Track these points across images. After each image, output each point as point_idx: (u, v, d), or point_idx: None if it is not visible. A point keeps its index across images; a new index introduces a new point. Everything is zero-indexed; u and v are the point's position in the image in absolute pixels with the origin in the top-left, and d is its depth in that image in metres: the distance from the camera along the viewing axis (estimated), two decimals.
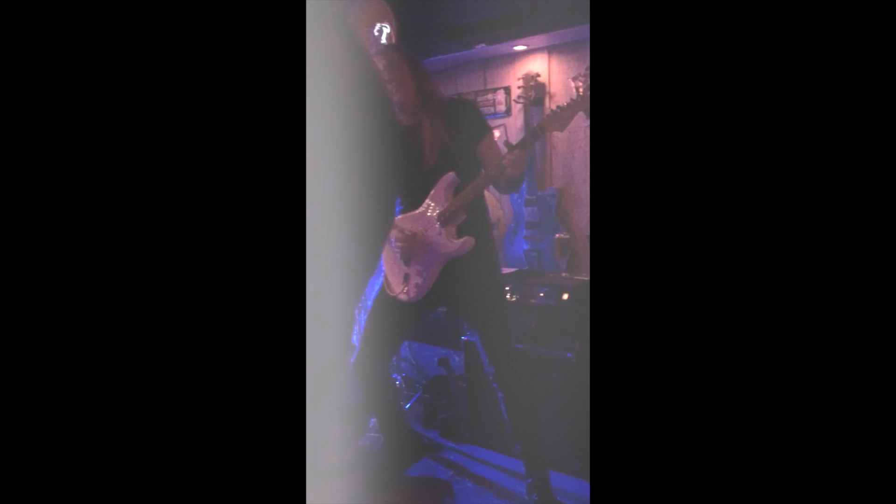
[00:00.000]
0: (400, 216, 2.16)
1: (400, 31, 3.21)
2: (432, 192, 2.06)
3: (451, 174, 2.04)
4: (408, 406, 3.06)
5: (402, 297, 2.13)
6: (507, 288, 2.42)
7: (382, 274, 2.24)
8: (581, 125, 2.89)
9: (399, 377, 3.14)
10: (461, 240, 2.04)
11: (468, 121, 2.08)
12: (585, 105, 1.95)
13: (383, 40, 3.33)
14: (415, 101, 2.06)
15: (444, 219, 2.04)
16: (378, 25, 3.34)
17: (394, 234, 2.09)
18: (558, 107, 1.95)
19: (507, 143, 1.99)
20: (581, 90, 2.84)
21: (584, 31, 2.68)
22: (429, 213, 2.07)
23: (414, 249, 2.07)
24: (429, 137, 2.04)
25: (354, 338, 3.20)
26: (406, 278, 2.12)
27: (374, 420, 2.67)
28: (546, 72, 3.01)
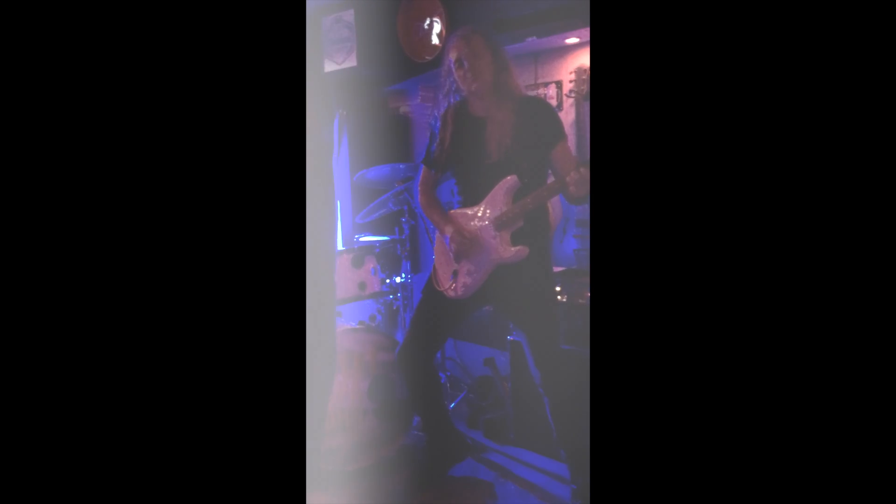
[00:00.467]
0: (456, 210, 2.12)
1: (450, 25, 3.18)
2: (492, 192, 2.01)
3: (513, 178, 1.97)
4: (452, 406, 3.02)
5: (450, 293, 2.09)
6: (557, 289, 2.36)
7: (431, 268, 2.21)
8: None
9: (444, 376, 3.11)
10: (515, 248, 1.98)
11: (543, 122, 2.01)
12: None
13: (434, 35, 3.30)
14: (490, 91, 2.00)
15: (500, 224, 1.98)
16: (428, 20, 3.32)
17: (450, 230, 2.05)
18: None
19: (579, 164, 1.88)
20: None
21: None
22: (486, 213, 2.02)
23: (467, 249, 2.03)
24: (497, 132, 1.97)
25: (399, 334, 3.19)
26: (455, 275, 2.08)
27: (417, 418, 2.65)
28: None
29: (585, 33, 2.80)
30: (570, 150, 2.03)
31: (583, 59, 2.97)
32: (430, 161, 2.16)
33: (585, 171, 1.83)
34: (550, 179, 2.06)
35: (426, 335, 2.15)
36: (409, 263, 2.99)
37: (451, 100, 2.10)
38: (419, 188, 2.21)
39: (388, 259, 3.03)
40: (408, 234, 2.99)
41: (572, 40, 2.92)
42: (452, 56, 2.01)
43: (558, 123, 2.04)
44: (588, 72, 2.87)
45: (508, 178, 1.97)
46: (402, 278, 2.95)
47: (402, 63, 3.49)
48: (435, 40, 3.30)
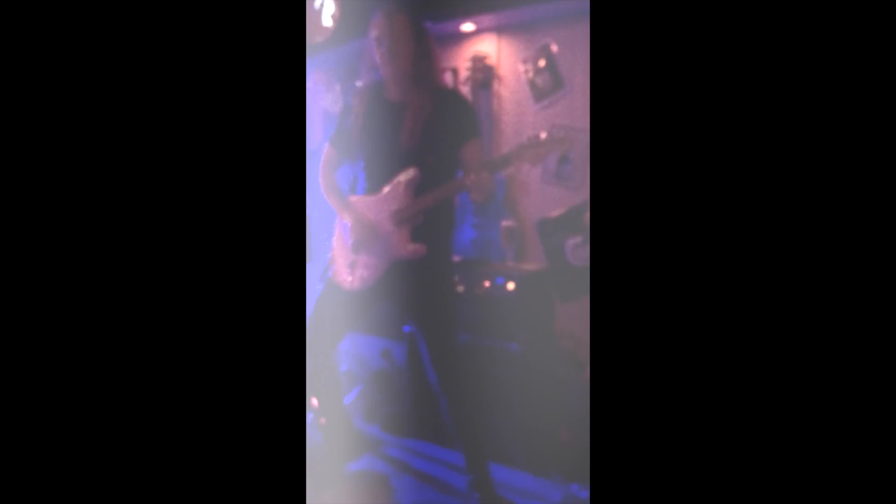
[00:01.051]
0: (358, 197, 2.02)
1: (343, 4, 3.06)
2: (392, 182, 1.92)
3: (414, 170, 1.89)
4: (349, 400, 2.95)
5: (346, 285, 2.01)
6: (455, 278, 2.33)
7: (328, 260, 2.11)
8: (529, 110, 2.82)
9: (340, 370, 3.02)
10: (413, 246, 1.91)
11: (458, 117, 1.94)
12: (565, 147, 1.82)
13: (325, 16, 3.17)
14: (407, 77, 1.91)
15: (399, 219, 1.91)
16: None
17: (349, 218, 1.96)
18: (535, 138, 1.79)
19: (483, 166, 1.81)
20: (531, 74, 2.76)
21: (535, 10, 2.59)
22: (386, 205, 1.94)
23: (366, 240, 1.95)
24: (411, 119, 1.88)
25: None
26: (352, 266, 2.00)
27: (311, 415, 2.55)
28: (495, 54, 2.92)
29: (482, 20, 2.79)
30: (481, 150, 1.97)
31: (479, 46, 2.96)
32: (337, 141, 2.06)
33: (487, 175, 1.78)
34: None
35: (323, 328, 2.05)
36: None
37: (368, 79, 2.00)
38: (321, 167, 2.09)
39: None
40: None
41: (469, 27, 2.89)
42: (372, 34, 1.91)
43: (473, 120, 1.99)
44: (484, 60, 2.87)
45: (409, 169, 1.90)
46: None
47: None
48: (327, 22, 3.17)
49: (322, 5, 3.18)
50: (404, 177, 1.91)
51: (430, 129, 1.90)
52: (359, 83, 2.04)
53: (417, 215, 1.90)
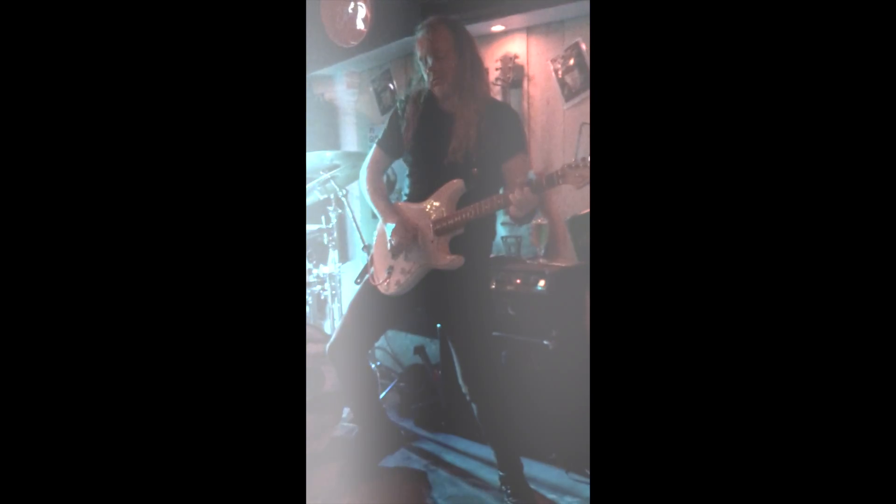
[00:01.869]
0: (403, 203, 2.04)
1: (375, 9, 3.12)
2: (437, 192, 1.94)
3: (458, 182, 1.90)
4: (383, 395, 3.01)
5: (381, 288, 2.04)
6: (491, 286, 2.33)
7: (369, 260, 2.15)
8: (559, 108, 2.84)
9: (374, 366, 3.09)
10: (450, 257, 1.92)
11: (506, 130, 1.93)
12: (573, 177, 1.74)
13: (358, 20, 3.23)
14: (453, 92, 1.92)
15: (440, 229, 1.92)
16: (352, 4, 3.24)
17: (394, 220, 1.98)
18: (582, 159, 1.75)
19: (526, 182, 1.78)
20: (560, 73, 2.78)
21: (563, 11, 2.61)
22: (429, 213, 1.96)
23: (407, 244, 1.96)
24: (462, 131, 1.89)
25: (326, 325, 3.13)
26: (390, 271, 2.03)
27: (347, 410, 2.61)
28: (524, 53, 2.95)
29: (511, 21, 2.82)
30: (526, 165, 1.95)
31: (508, 46, 2.99)
32: (386, 143, 2.08)
33: (530, 194, 1.76)
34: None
35: (361, 328, 2.09)
36: (338, 253, 2.94)
37: (420, 86, 2.01)
38: (368, 169, 2.09)
39: (316, 248, 2.97)
40: (335, 224, 2.93)
41: (498, 28, 2.92)
42: (418, 51, 1.93)
43: (521, 134, 1.98)
44: (514, 60, 2.89)
45: (454, 181, 1.91)
46: (329, 268, 2.90)
47: (326, 48, 3.40)
48: (360, 25, 3.24)
49: (354, 9, 3.24)
50: (449, 187, 1.92)
51: (478, 140, 1.90)
52: (410, 89, 2.04)
53: (458, 226, 1.91)
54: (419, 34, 1.93)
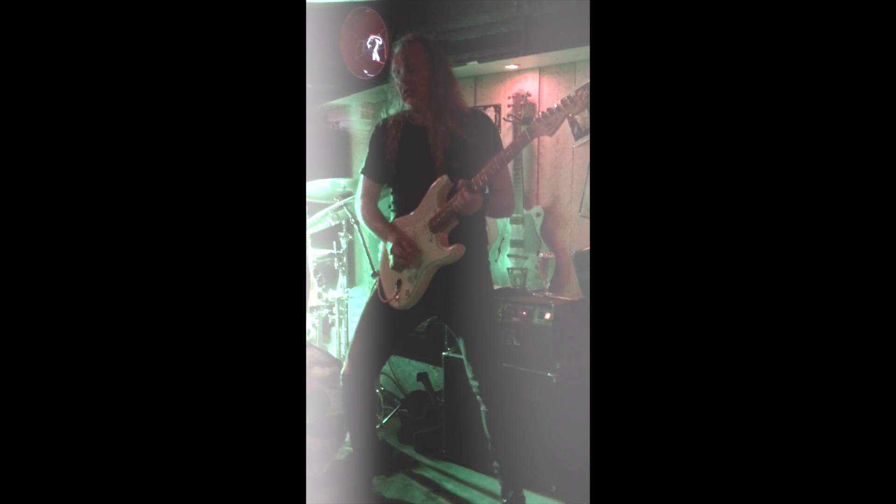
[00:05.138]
0: (398, 219, 2.11)
1: (392, 43, 3.22)
2: (426, 195, 2.02)
3: (445, 177, 1.99)
4: (385, 420, 3.03)
5: (394, 303, 2.09)
6: (498, 309, 2.39)
7: (376, 283, 2.20)
8: (569, 146, 2.91)
9: (378, 391, 3.11)
10: (451, 247, 1.99)
11: (482, 134, 2.04)
12: (575, 108, 1.91)
13: (375, 53, 3.33)
14: (427, 104, 2.02)
15: (435, 225, 1.99)
16: (371, 37, 3.35)
17: (392, 238, 2.05)
18: (548, 110, 1.90)
19: (467, 184, 1.91)
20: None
21: (575, 53, 2.71)
22: (421, 217, 2.04)
23: (408, 256, 2.03)
24: (440, 139, 1.99)
25: (332, 349, 3.17)
26: (398, 285, 2.08)
27: (349, 434, 2.63)
28: (537, 92, 3.04)
29: (525, 60, 2.91)
30: (498, 165, 1.97)
31: (521, 85, 3.08)
32: (371, 171, 2.15)
33: (471, 196, 1.88)
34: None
35: (370, 352, 2.14)
36: (346, 278, 2.99)
37: (395, 109, 2.10)
38: (361, 200, 2.17)
39: (326, 273, 3.02)
40: (345, 249, 2.99)
41: (512, 66, 3.02)
42: (393, 65, 2.04)
43: (496, 136, 2.09)
44: (526, 97, 2.98)
45: (440, 178, 1.99)
46: (338, 292, 2.95)
47: (343, 78, 3.50)
48: (376, 57, 3.34)
49: (373, 42, 3.35)
50: (436, 186, 2.00)
51: (457, 144, 2.00)
52: (388, 114, 2.14)
53: (451, 219, 1.99)
54: (396, 49, 2.04)
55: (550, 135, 1.97)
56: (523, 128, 1.97)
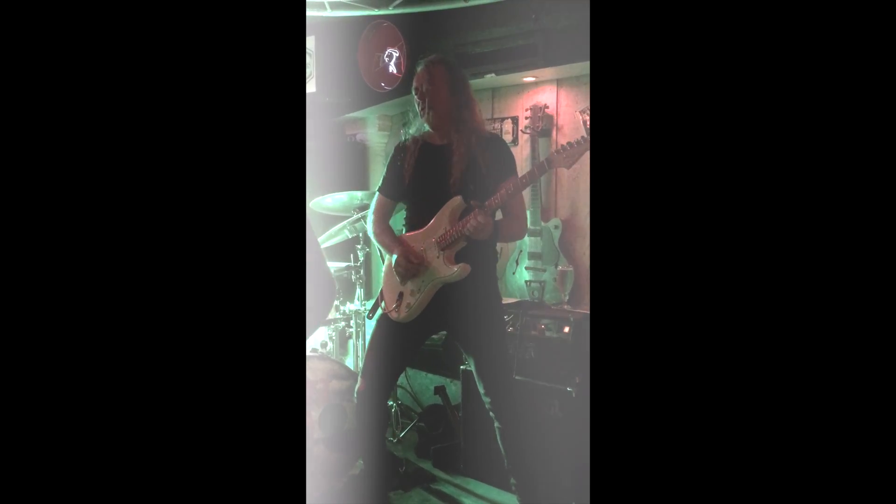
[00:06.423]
0: (408, 234, 2.13)
1: (409, 56, 3.23)
2: (438, 213, 2.03)
3: (458, 198, 2.00)
4: (403, 434, 3.01)
5: (393, 314, 2.10)
6: (506, 318, 2.38)
7: (379, 294, 2.20)
8: (586, 157, 2.90)
9: (395, 404, 3.10)
10: (457, 266, 2.00)
11: (499, 158, 2.05)
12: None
13: (392, 65, 3.35)
14: (446, 125, 2.04)
15: (444, 244, 2.01)
16: (388, 50, 3.37)
17: (397, 251, 2.06)
18: (568, 143, 1.92)
19: (480, 206, 1.91)
20: (588, 124, 2.85)
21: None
22: (431, 234, 2.05)
23: (413, 269, 2.04)
24: (459, 160, 2.01)
25: (350, 361, 3.16)
26: (400, 297, 2.09)
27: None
28: (554, 104, 3.03)
29: (542, 73, 2.91)
30: (514, 190, 1.99)
31: (538, 97, 3.07)
32: (387, 189, 2.18)
33: (485, 218, 1.88)
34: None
35: (383, 368, 2.13)
36: (363, 290, 2.99)
37: (415, 129, 2.13)
38: (373, 215, 2.20)
39: (343, 285, 3.02)
40: (362, 262, 2.99)
41: (529, 79, 3.02)
42: (414, 84, 2.06)
43: (511, 161, 2.09)
44: (544, 109, 2.98)
45: (454, 198, 2.00)
46: (356, 305, 2.94)
47: (360, 91, 3.52)
48: (393, 70, 3.35)
49: (390, 55, 3.36)
50: (449, 206, 2.01)
51: (474, 166, 2.01)
52: (408, 134, 2.17)
53: (460, 239, 1.99)
54: (419, 69, 2.06)
55: (568, 167, 1.96)
56: (543, 159, 1.98)
